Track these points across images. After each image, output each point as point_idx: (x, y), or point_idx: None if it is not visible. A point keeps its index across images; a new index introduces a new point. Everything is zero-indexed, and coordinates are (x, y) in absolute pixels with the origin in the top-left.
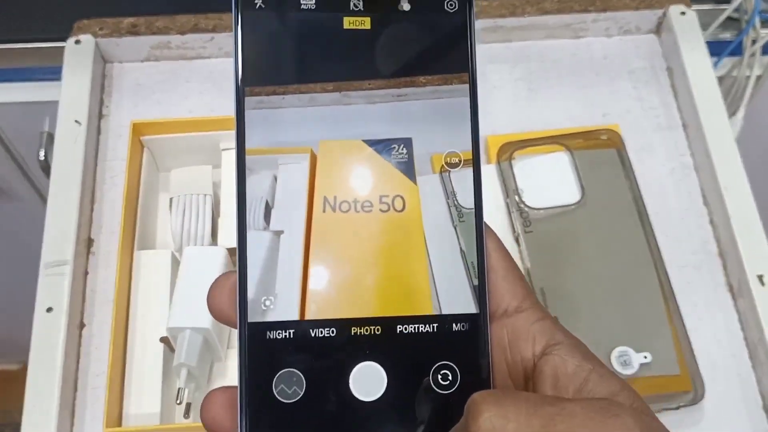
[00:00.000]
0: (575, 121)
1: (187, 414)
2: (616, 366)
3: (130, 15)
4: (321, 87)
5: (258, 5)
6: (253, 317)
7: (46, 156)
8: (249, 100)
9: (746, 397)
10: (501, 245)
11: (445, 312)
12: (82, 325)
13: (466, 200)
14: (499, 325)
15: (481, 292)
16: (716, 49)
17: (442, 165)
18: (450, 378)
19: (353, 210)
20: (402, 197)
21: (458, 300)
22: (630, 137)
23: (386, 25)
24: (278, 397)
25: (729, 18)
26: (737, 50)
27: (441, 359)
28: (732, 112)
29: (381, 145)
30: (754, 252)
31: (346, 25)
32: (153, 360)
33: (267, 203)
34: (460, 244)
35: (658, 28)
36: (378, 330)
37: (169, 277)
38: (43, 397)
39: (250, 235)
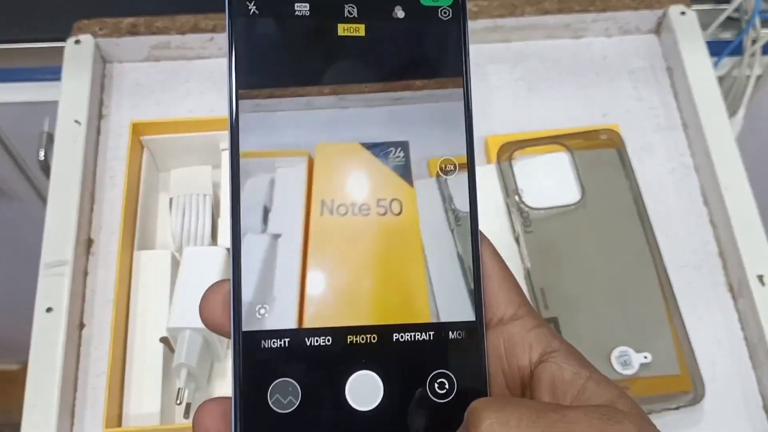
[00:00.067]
0: (575, 121)
1: (187, 414)
2: (617, 366)
3: (130, 15)
4: (316, 91)
5: (251, 11)
6: (247, 326)
7: (45, 156)
8: (245, 104)
9: (746, 397)
10: (496, 253)
11: (442, 317)
12: (81, 326)
13: (463, 205)
14: (495, 333)
15: (477, 300)
16: (716, 49)
17: (437, 171)
18: (447, 386)
19: (351, 213)
20: (399, 201)
21: (456, 306)
22: (630, 137)
23: (380, 33)
24: (273, 408)
25: (729, 18)
26: (737, 50)
27: (438, 367)
28: (732, 112)
29: (378, 149)
30: (754, 252)
31: (340, 32)
32: (153, 360)
33: (265, 207)
34: (457, 248)
35: (658, 28)
36: (374, 338)
37: (169, 277)
38: (43, 398)
39: (247, 239)
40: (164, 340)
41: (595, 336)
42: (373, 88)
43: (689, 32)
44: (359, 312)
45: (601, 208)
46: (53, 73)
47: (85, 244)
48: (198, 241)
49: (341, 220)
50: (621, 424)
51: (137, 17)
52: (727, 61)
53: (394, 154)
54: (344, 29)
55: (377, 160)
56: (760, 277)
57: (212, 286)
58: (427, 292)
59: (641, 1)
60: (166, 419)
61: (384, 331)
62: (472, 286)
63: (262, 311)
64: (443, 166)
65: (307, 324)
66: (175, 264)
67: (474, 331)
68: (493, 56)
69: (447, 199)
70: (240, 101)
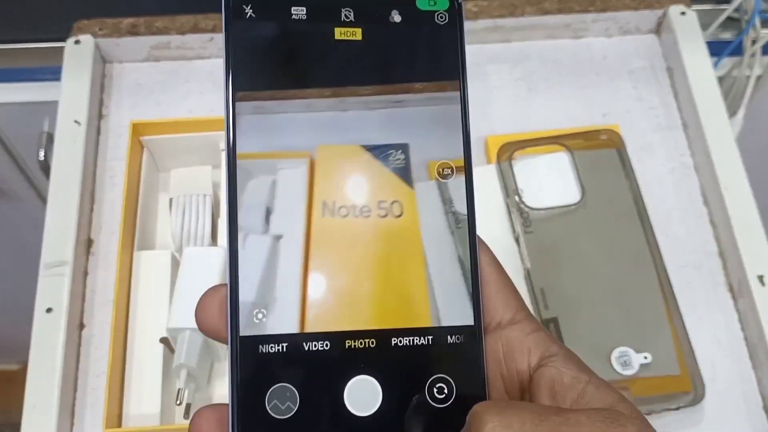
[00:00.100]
0: (575, 121)
1: (186, 415)
2: (617, 366)
3: (129, 15)
4: (312, 95)
5: (248, 15)
6: (245, 330)
7: (45, 156)
8: (243, 107)
9: (746, 397)
10: (493, 257)
11: (443, 320)
12: (81, 326)
13: (463, 207)
14: (493, 338)
15: (475, 305)
16: (716, 49)
17: (436, 174)
18: (446, 391)
19: (352, 215)
20: (400, 203)
21: (455, 309)
22: (630, 137)
23: (377, 37)
24: (271, 413)
25: (729, 18)
26: (737, 50)
27: (436, 372)
28: (732, 112)
29: (379, 150)
30: (754, 252)
31: (337, 36)
32: (153, 360)
33: (267, 208)
34: (457, 251)
35: (658, 28)
36: (372, 343)
37: (169, 277)
38: (43, 398)
39: (246, 242)
40: (164, 340)
41: (595, 336)
42: (370, 92)
43: (689, 32)
44: (359, 316)
45: (601, 208)
46: (53, 73)
47: (85, 245)
48: (198, 241)
49: (342, 222)
50: (624, 427)
51: (137, 17)
52: (727, 62)
53: (395, 156)
54: (341, 33)
55: (378, 162)
56: (761, 277)
57: (208, 291)
58: (427, 296)
59: (641, 1)
60: (166, 420)
61: (382, 335)
62: (471, 290)
63: (260, 315)
64: (441, 169)
65: (306, 328)
66: (175, 264)
67: (473, 336)
68: (493, 56)
69: (447, 201)
70: (237, 104)
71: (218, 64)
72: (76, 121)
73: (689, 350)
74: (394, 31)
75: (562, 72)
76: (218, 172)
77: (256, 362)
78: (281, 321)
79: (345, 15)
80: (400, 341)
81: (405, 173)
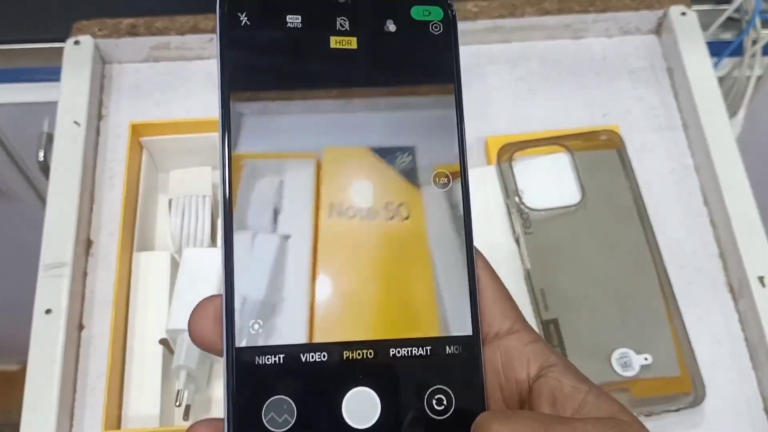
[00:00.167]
0: (575, 122)
1: (186, 416)
2: (617, 368)
3: (129, 15)
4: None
5: (243, 23)
6: (240, 342)
7: (45, 157)
8: (250, 106)
9: (747, 398)
10: (490, 267)
11: (451, 327)
12: (81, 327)
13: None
14: (491, 348)
15: (473, 314)
16: (717, 49)
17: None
18: (445, 403)
19: (358, 217)
20: (407, 205)
21: (462, 313)
22: (630, 138)
23: (372, 45)
24: (268, 426)
25: (729, 18)
26: (738, 51)
27: (435, 383)
28: (732, 113)
29: (386, 152)
30: (754, 252)
31: (332, 45)
32: (152, 362)
33: (271, 211)
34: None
35: (659, 29)
36: (371, 354)
37: (169, 278)
38: (42, 399)
39: (247, 246)
40: (164, 341)
41: (595, 337)
42: (365, 100)
43: (689, 33)
44: (360, 325)
45: (601, 208)
46: (53, 74)
47: (85, 245)
48: (197, 242)
49: (349, 224)
50: None
51: (136, 18)
52: (728, 62)
53: (402, 158)
54: (336, 42)
55: (385, 164)
56: (761, 278)
57: (202, 302)
58: (435, 302)
59: (641, 1)
60: (165, 421)
61: (380, 346)
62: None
63: (256, 326)
64: (437, 179)
65: (305, 339)
66: (175, 265)
67: (471, 346)
68: (493, 57)
69: (454, 205)
70: (238, 105)
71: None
72: (75, 122)
73: (689, 351)
74: (389, 40)
75: (562, 72)
76: (218, 173)
77: (253, 374)
78: (279, 331)
79: (340, 24)
80: (399, 352)
81: (412, 176)
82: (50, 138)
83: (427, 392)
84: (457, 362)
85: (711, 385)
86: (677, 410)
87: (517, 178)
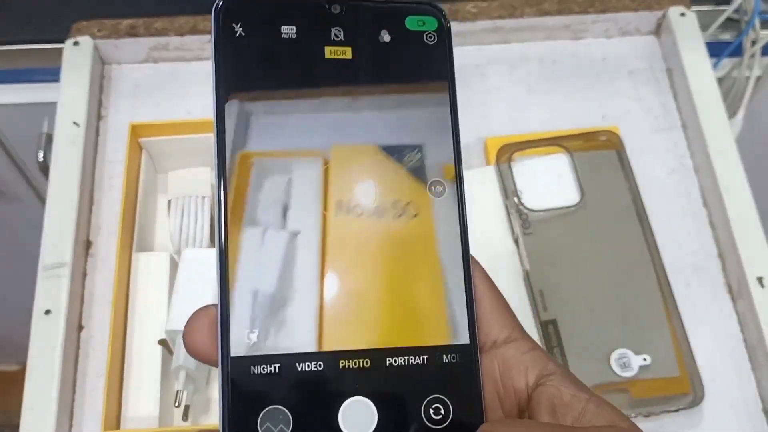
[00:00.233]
0: (574, 123)
1: (185, 417)
2: (616, 368)
3: (128, 16)
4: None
5: (238, 33)
6: (236, 351)
7: (44, 157)
8: (255, 106)
9: (746, 399)
10: (487, 276)
11: (451, 334)
12: (80, 327)
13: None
14: (489, 357)
15: (470, 323)
16: (716, 50)
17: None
18: (442, 412)
19: (366, 215)
20: (415, 204)
21: (459, 321)
22: (629, 138)
23: (367, 56)
24: None
25: (729, 19)
26: (737, 51)
27: (432, 392)
28: (732, 113)
29: (394, 151)
30: (753, 253)
31: (327, 55)
32: (151, 362)
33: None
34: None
35: (658, 30)
36: (367, 363)
37: (168, 279)
38: (42, 399)
39: (267, 239)
40: (163, 342)
41: (594, 338)
42: (359, 109)
43: (689, 33)
44: (361, 331)
45: (600, 209)
46: (52, 75)
47: (84, 246)
48: (196, 243)
49: (358, 221)
50: None
51: (136, 18)
52: (727, 63)
53: (410, 157)
54: (331, 52)
55: (393, 163)
56: (760, 279)
57: (196, 313)
58: (444, 306)
59: (641, 2)
60: (164, 422)
61: (377, 355)
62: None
63: (252, 335)
64: (432, 188)
65: (304, 348)
66: (174, 266)
67: (468, 355)
68: (492, 57)
69: (450, 213)
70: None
71: None
72: (75, 123)
73: (688, 352)
74: (383, 51)
75: (562, 73)
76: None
77: (248, 384)
78: (276, 340)
79: (335, 34)
80: (395, 361)
81: (420, 175)
82: (50, 138)
83: (425, 402)
84: (455, 371)
85: (710, 385)
86: (676, 411)
87: (516, 179)
